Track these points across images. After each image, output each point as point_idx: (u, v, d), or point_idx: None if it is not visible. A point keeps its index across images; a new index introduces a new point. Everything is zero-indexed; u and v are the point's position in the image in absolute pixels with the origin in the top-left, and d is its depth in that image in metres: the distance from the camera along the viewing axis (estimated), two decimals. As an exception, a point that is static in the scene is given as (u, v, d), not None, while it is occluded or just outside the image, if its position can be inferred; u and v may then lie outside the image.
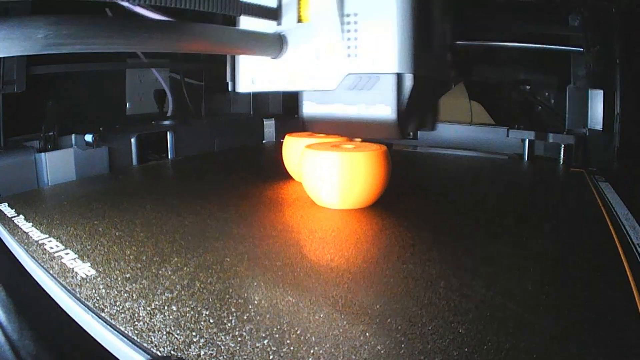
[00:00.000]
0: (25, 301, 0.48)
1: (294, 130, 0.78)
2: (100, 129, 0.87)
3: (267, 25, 0.52)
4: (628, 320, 0.36)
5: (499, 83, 1.29)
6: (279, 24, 0.52)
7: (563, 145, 0.95)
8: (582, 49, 0.94)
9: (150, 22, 0.43)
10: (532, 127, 1.02)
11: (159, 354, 0.32)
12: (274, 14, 0.51)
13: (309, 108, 0.54)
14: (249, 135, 1.21)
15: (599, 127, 0.94)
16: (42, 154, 0.76)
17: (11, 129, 0.77)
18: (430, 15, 0.52)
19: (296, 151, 0.73)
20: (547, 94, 1.23)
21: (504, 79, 1.28)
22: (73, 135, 0.83)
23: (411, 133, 1.08)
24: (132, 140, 0.91)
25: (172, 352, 0.32)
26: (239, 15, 0.50)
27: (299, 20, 0.51)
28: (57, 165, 0.78)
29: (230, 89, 0.59)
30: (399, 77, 0.48)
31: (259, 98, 1.24)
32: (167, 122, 1.03)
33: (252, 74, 0.55)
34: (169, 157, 0.98)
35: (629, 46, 0.90)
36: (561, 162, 0.95)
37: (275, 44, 0.51)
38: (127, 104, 1.04)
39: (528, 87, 1.27)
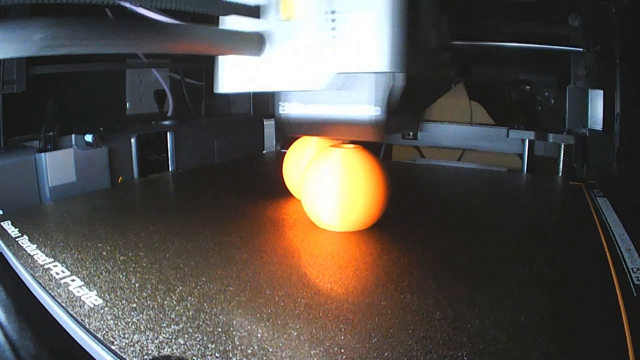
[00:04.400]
0: (25, 301, 0.49)
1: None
2: (100, 129, 0.87)
3: (250, 23, 0.49)
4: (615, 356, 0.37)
5: (499, 83, 1.29)
6: (262, 22, 0.49)
7: (563, 145, 0.96)
8: (582, 49, 0.94)
9: (125, 23, 0.40)
10: (532, 127, 1.02)
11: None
12: (256, 11, 0.49)
13: (289, 109, 0.52)
14: (249, 135, 1.21)
15: (599, 127, 0.94)
16: (42, 154, 0.76)
17: (11, 129, 0.77)
18: (423, 11, 0.50)
19: (296, 168, 0.73)
20: (547, 94, 1.23)
21: (504, 79, 1.28)
22: (73, 135, 0.83)
23: (411, 133, 1.09)
24: (132, 140, 0.91)
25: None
26: (223, 15, 0.49)
27: (282, 18, 0.48)
28: (57, 165, 0.78)
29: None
30: (390, 76, 0.45)
31: (259, 98, 1.23)
32: (167, 122, 1.03)
33: (235, 73, 0.53)
34: (169, 157, 0.99)
35: (629, 46, 0.90)
36: (561, 162, 0.96)
37: (255, 43, 0.49)
38: (127, 104, 1.04)
39: (528, 87, 1.27)
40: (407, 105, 0.49)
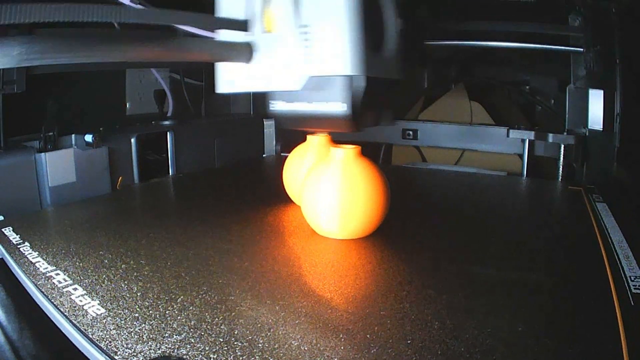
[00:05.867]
0: (25, 302, 0.49)
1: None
2: (100, 129, 0.87)
3: (239, 35, 0.57)
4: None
5: (499, 83, 1.29)
6: (250, 34, 0.57)
7: (563, 145, 0.96)
8: (582, 49, 0.94)
9: (135, 35, 0.48)
10: (532, 127, 1.02)
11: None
12: (244, 26, 0.57)
13: (278, 106, 0.60)
14: (249, 135, 1.21)
15: (599, 127, 0.94)
16: (42, 154, 0.77)
17: (11, 129, 0.78)
18: (380, 21, 0.58)
19: (296, 176, 0.74)
20: (547, 94, 1.23)
21: (504, 79, 1.28)
22: (73, 135, 0.83)
23: (411, 132, 1.09)
24: (132, 140, 0.91)
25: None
26: (215, 30, 0.57)
27: (265, 31, 0.56)
28: (57, 165, 0.78)
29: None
30: (352, 78, 0.53)
31: (259, 98, 1.23)
32: (167, 122, 1.03)
33: (229, 76, 0.61)
34: (169, 157, 0.99)
35: (629, 46, 0.90)
36: (561, 163, 0.96)
37: (245, 52, 0.57)
38: (127, 104, 1.04)
39: (528, 87, 1.27)
40: (375, 102, 0.58)
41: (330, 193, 0.60)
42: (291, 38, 0.55)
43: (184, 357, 0.38)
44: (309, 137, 0.76)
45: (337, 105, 0.55)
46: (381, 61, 0.58)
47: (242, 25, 0.57)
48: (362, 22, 0.52)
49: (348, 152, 0.62)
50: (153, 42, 0.49)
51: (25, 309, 0.50)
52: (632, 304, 0.46)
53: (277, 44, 0.56)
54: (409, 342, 0.40)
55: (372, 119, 0.61)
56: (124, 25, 0.76)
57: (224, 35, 0.58)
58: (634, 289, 0.48)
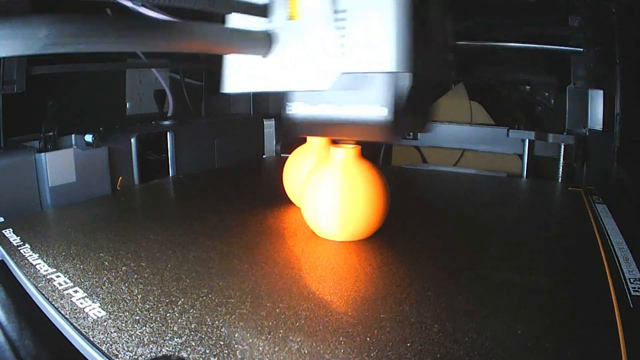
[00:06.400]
0: (25, 302, 0.49)
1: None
2: (100, 129, 0.88)
3: (257, 22, 0.49)
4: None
5: (499, 83, 1.29)
6: (270, 21, 0.48)
7: (563, 146, 0.96)
8: (582, 49, 0.94)
9: (130, 21, 0.39)
10: (532, 127, 1.02)
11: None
12: (263, 10, 0.48)
13: (297, 109, 0.51)
14: (249, 135, 1.21)
15: (599, 127, 0.94)
16: (42, 154, 0.76)
17: (11, 129, 0.78)
18: (429, 10, 0.49)
19: (297, 177, 0.73)
20: (547, 94, 1.23)
21: (504, 79, 1.28)
22: (73, 135, 0.84)
23: (411, 134, 1.09)
24: (132, 140, 0.91)
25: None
26: (229, 13, 0.48)
27: (290, 18, 0.47)
28: (57, 165, 0.78)
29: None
30: (397, 77, 0.45)
31: (259, 98, 1.23)
32: (167, 122, 1.03)
33: (240, 74, 0.52)
34: (169, 157, 0.99)
35: (629, 46, 0.90)
36: (561, 163, 0.96)
37: (263, 42, 0.48)
38: (127, 104, 1.04)
39: (528, 87, 1.27)
40: (414, 105, 0.48)
41: (330, 195, 0.60)
42: (322, 26, 0.46)
43: (185, 359, 0.38)
44: (309, 138, 0.75)
45: (376, 110, 0.46)
46: (429, 59, 0.50)
47: (261, 10, 0.48)
48: (412, 11, 0.44)
49: (348, 152, 0.61)
50: (161, 27, 0.40)
51: (25, 310, 0.50)
52: (632, 306, 0.46)
53: (303, 33, 0.47)
54: (408, 345, 0.40)
55: (412, 126, 0.54)
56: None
57: (238, 21, 0.50)
58: (633, 291, 0.48)
